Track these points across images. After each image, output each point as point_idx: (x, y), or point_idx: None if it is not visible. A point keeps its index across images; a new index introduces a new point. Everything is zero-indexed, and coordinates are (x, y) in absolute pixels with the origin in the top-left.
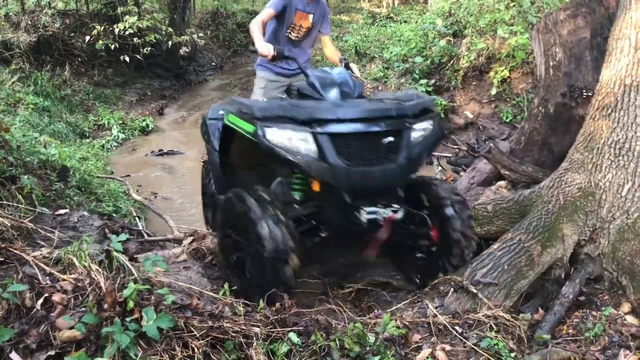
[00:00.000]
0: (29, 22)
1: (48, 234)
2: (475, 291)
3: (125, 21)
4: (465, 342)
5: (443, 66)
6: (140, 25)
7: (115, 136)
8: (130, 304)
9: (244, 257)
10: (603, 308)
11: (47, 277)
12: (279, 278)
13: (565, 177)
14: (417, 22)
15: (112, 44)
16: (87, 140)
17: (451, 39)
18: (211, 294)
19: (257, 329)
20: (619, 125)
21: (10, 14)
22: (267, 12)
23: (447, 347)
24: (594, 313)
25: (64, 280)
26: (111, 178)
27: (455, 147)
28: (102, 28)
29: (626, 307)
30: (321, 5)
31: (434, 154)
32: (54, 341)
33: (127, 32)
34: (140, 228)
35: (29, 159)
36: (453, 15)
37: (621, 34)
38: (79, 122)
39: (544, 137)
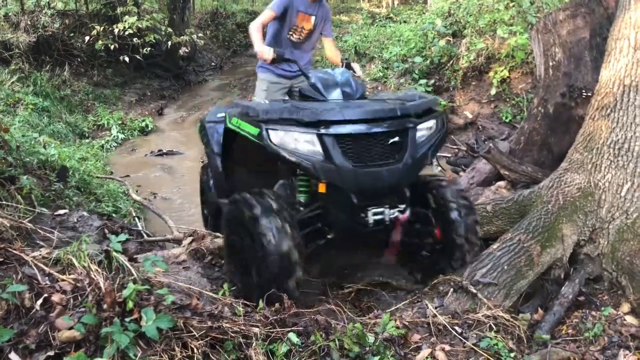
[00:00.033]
0: (29, 23)
1: (47, 234)
2: (474, 291)
3: (125, 21)
4: (464, 342)
5: (442, 66)
6: (140, 26)
7: (114, 136)
8: (130, 304)
9: (249, 262)
10: (602, 308)
11: (47, 278)
12: (283, 289)
13: (564, 177)
14: (416, 22)
15: (111, 44)
16: (87, 141)
17: (451, 39)
18: (211, 294)
19: (256, 329)
20: (618, 126)
21: (10, 14)
22: (267, 13)
23: (447, 347)
24: (593, 313)
25: (63, 280)
26: (111, 178)
27: (455, 147)
28: (102, 28)
29: (625, 307)
30: (323, 7)
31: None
32: (53, 341)
33: (126, 33)
34: (140, 228)
35: (28, 159)
36: (452, 15)
37: (620, 34)
38: (78, 123)
39: (544, 137)
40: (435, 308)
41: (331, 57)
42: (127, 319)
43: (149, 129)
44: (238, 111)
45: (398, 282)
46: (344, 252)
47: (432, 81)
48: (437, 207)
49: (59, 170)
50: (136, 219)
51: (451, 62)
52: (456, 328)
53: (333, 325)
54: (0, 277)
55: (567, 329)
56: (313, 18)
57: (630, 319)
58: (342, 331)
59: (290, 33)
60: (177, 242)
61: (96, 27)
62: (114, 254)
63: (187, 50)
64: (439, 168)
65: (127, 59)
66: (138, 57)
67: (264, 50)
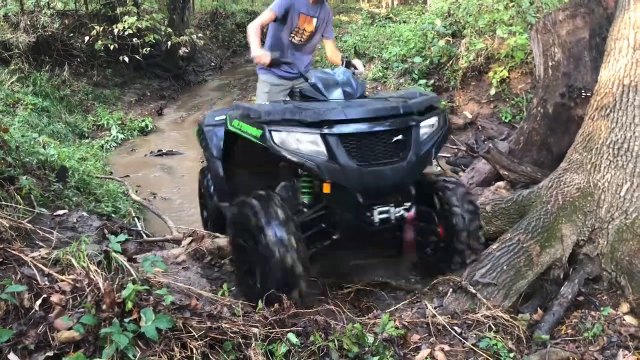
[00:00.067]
0: (28, 23)
1: (47, 235)
2: (474, 291)
3: (125, 21)
4: (464, 343)
5: (442, 66)
6: (140, 26)
7: (114, 136)
8: (129, 305)
9: (253, 264)
10: (602, 308)
11: (46, 278)
12: (287, 296)
13: (564, 178)
14: (416, 22)
15: (111, 45)
16: (86, 141)
17: (450, 39)
18: (210, 294)
19: (255, 330)
20: (618, 126)
21: (10, 14)
22: (267, 15)
23: (446, 348)
24: (592, 313)
25: (62, 281)
26: (110, 178)
27: (454, 147)
28: (101, 28)
29: (625, 307)
30: (325, 8)
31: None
32: (53, 342)
33: (126, 33)
34: (139, 228)
35: (27, 160)
36: (452, 16)
37: (619, 34)
38: (78, 123)
39: (543, 137)
40: (435, 308)
41: (332, 59)
42: (126, 320)
43: (149, 129)
44: (239, 113)
45: (397, 282)
46: (350, 252)
47: (432, 81)
48: (441, 210)
49: (59, 171)
50: (136, 219)
51: (451, 62)
52: (455, 328)
53: (332, 326)
54: (0, 278)
55: (567, 329)
56: (315, 20)
57: (629, 319)
58: (341, 331)
59: (292, 35)
60: (177, 242)
61: (96, 27)
62: (113, 254)
63: (186, 51)
64: (439, 168)
65: (126, 59)
66: (138, 57)
67: (260, 55)
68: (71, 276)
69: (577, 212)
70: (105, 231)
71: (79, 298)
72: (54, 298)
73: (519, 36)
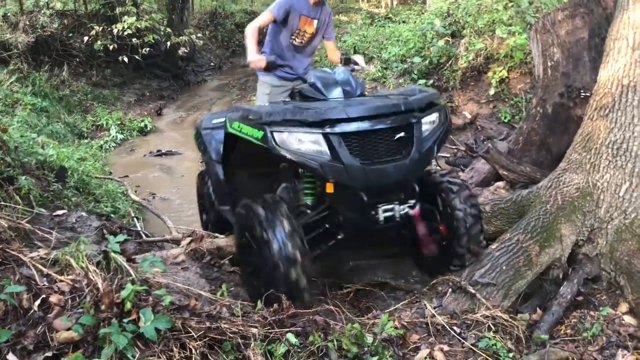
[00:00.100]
0: (27, 23)
1: (46, 235)
2: (473, 291)
3: (124, 21)
4: (463, 343)
5: (441, 66)
6: (139, 26)
7: (113, 137)
8: (128, 305)
9: (258, 267)
10: (601, 308)
11: (45, 278)
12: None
13: (563, 178)
14: (415, 22)
15: (110, 45)
16: (86, 141)
17: (449, 39)
18: (209, 294)
19: (254, 330)
20: (617, 126)
21: (9, 14)
22: (266, 16)
23: (445, 348)
24: (591, 313)
25: (61, 281)
26: (109, 179)
27: (454, 147)
28: (101, 28)
29: (624, 307)
30: (325, 10)
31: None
32: (51, 342)
33: (125, 33)
34: (139, 229)
35: (26, 160)
36: (451, 16)
37: (619, 35)
38: (77, 123)
39: (542, 137)
40: (434, 308)
41: (333, 60)
42: (125, 320)
43: (148, 129)
44: (239, 115)
45: (397, 282)
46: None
47: (431, 81)
48: (444, 211)
49: (58, 171)
50: (135, 219)
51: (450, 62)
52: (455, 328)
53: (331, 326)
54: None
55: (566, 329)
56: (316, 22)
57: (628, 319)
58: (340, 331)
59: (293, 37)
60: (176, 242)
61: (95, 27)
62: (113, 254)
63: (186, 51)
64: (438, 168)
65: (126, 59)
66: (137, 57)
67: (255, 60)
68: (70, 276)
69: (576, 212)
70: (105, 231)
71: (77, 298)
72: (53, 298)
73: (518, 36)
